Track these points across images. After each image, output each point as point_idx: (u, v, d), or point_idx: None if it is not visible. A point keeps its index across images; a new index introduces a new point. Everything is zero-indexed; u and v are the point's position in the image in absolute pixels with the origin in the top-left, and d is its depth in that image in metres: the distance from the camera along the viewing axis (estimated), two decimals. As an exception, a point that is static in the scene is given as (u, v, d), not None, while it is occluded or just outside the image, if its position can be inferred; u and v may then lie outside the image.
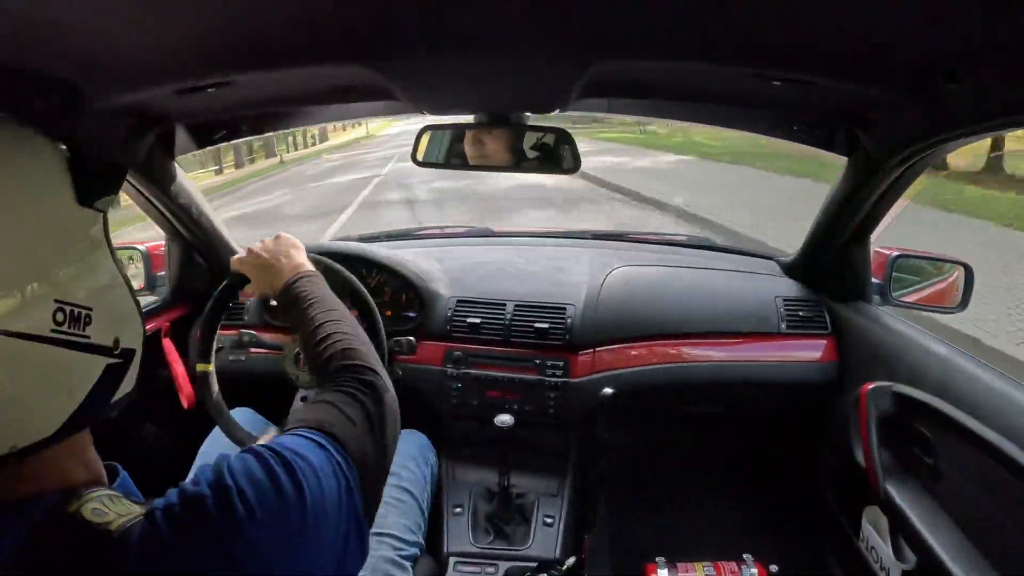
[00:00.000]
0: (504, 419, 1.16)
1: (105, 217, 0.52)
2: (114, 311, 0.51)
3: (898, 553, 1.12)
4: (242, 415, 1.18)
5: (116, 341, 0.50)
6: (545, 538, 1.25)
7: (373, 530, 0.97)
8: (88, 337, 0.47)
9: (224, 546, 0.43)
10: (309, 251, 1.35)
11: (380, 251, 1.47)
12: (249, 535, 0.44)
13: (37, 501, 0.44)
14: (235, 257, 0.99)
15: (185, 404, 1.34)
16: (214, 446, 1.11)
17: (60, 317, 0.44)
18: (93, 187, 0.50)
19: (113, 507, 0.45)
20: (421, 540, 1.08)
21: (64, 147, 0.50)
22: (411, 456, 1.19)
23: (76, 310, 0.46)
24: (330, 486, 0.49)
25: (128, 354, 0.52)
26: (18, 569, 0.41)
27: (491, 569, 1.19)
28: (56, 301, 0.44)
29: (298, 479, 0.47)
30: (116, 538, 0.42)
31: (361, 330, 0.75)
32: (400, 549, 1.01)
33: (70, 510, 0.44)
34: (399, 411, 0.65)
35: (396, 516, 1.05)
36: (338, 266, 1.18)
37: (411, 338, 1.29)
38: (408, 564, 1.02)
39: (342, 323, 0.74)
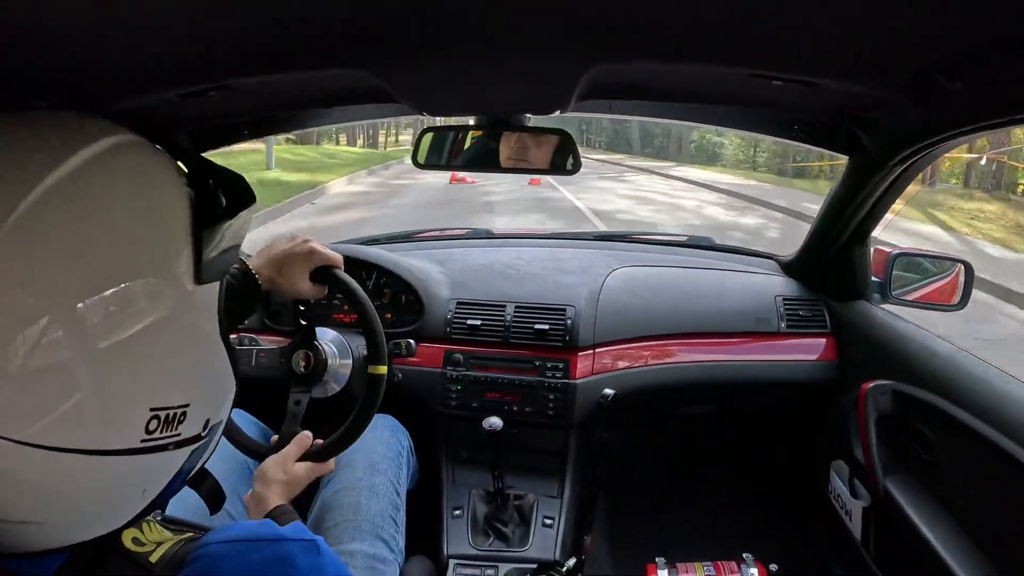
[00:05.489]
0: (493, 422, 1.15)
1: (222, 285, 0.45)
2: (212, 395, 0.45)
3: (855, 493, 1.19)
4: (236, 417, 1.18)
5: (207, 423, 0.45)
6: (545, 539, 1.25)
7: (350, 516, 0.99)
8: (179, 435, 0.42)
9: None
10: None
11: (380, 253, 1.47)
12: None
13: None
14: None
15: None
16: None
17: (153, 426, 0.39)
18: (213, 256, 0.42)
19: (150, 535, 0.44)
20: (400, 521, 1.07)
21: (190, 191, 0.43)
22: (382, 439, 1.16)
23: (172, 413, 0.40)
24: None
25: (216, 428, 0.47)
26: None
27: (491, 571, 1.19)
28: (152, 410, 0.39)
29: None
30: (155, 571, 0.42)
31: None
32: (380, 538, 1.00)
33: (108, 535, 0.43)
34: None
35: (371, 500, 1.03)
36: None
37: (410, 340, 1.29)
38: (393, 549, 1.00)
39: None
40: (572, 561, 1.19)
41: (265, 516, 0.84)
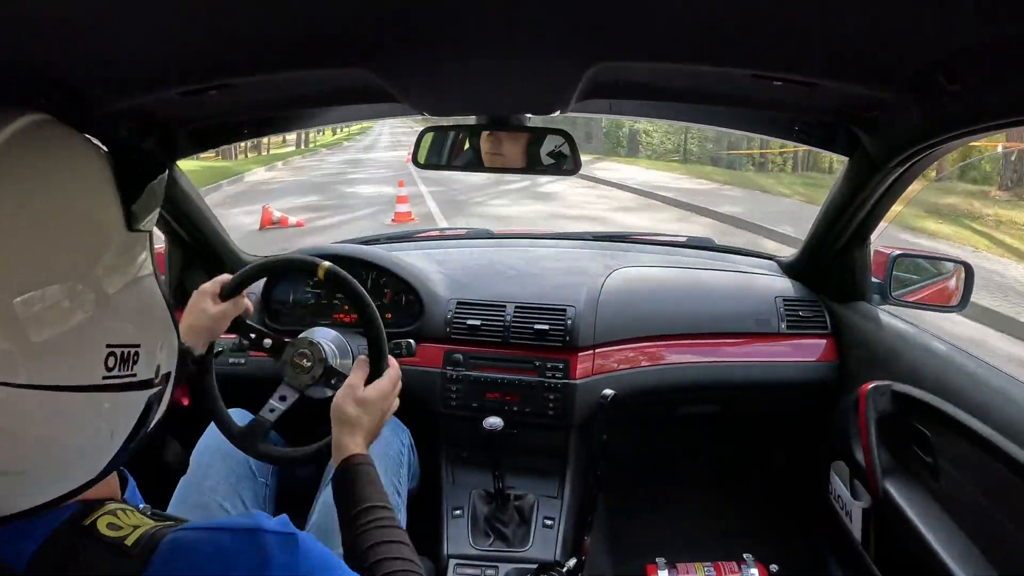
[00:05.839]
0: (493, 421, 1.15)
1: (151, 236, 0.50)
2: (158, 339, 0.49)
3: (856, 495, 1.20)
4: (235, 415, 1.18)
5: (158, 369, 0.49)
6: (545, 539, 1.25)
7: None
8: (135, 375, 0.45)
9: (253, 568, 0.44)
10: (310, 254, 1.35)
11: (380, 253, 1.47)
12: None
13: (53, 514, 0.44)
14: (344, 395, 0.86)
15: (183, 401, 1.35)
16: (208, 445, 1.11)
17: (111, 362, 0.43)
18: (143, 210, 0.47)
19: (127, 520, 0.45)
20: (402, 523, 1.06)
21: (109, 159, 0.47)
22: (383, 437, 1.14)
23: (126, 351, 0.44)
24: None
25: (167, 378, 0.50)
26: None
27: (491, 571, 1.19)
28: (108, 346, 0.43)
29: None
30: (132, 552, 0.43)
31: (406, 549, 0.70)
32: None
33: (86, 523, 0.44)
34: None
35: None
36: (339, 270, 1.18)
37: (411, 340, 1.29)
38: None
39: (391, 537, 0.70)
40: (572, 561, 1.19)
41: (341, 462, 0.79)
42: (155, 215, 0.50)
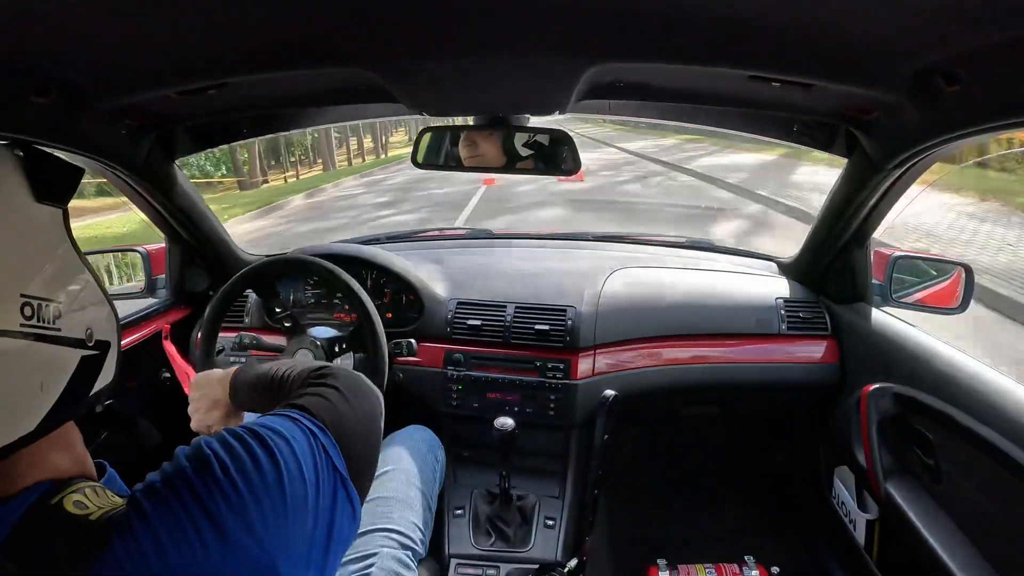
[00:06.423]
0: (504, 422, 1.15)
1: (65, 212, 0.52)
2: (83, 303, 0.51)
3: (862, 505, 1.19)
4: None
5: (90, 333, 0.50)
6: (546, 540, 1.25)
7: (381, 525, 0.99)
8: (59, 330, 0.47)
9: (204, 506, 0.44)
10: (310, 253, 1.35)
11: (380, 253, 1.47)
12: (228, 493, 0.45)
13: (24, 495, 0.45)
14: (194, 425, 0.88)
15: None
16: None
17: (28, 312, 0.44)
18: (50, 186, 0.50)
19: (96, 499, 0.46)
20: (427, 539, 1.08)
21: (19, 151, 0.50)
22: (420, 452, 1.18)
23: (44, 304, 0.46)
24: (303, 451, 0.51)
25: (103, 346, 0.52)
26: (3, 561, 0.42)
27: (492, 571, 1.19)
28: (22, 296, 0.44)
29: (268, 445, 0.49)
30: (96, 526, 0.43)
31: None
32: (408, 548, 1.00)
33: (52, 502, 0.45)
34: (367, 385, 0.65)
35: (405, 512, 1.04)
36: (338, 269, 1.19)
37: (411, 340, 1.29)
38: (415, 565, 1.01)
39: (279, 367, 0.74)
40: (574, 562, 1.19)
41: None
42: (67, 191, 0.52)
